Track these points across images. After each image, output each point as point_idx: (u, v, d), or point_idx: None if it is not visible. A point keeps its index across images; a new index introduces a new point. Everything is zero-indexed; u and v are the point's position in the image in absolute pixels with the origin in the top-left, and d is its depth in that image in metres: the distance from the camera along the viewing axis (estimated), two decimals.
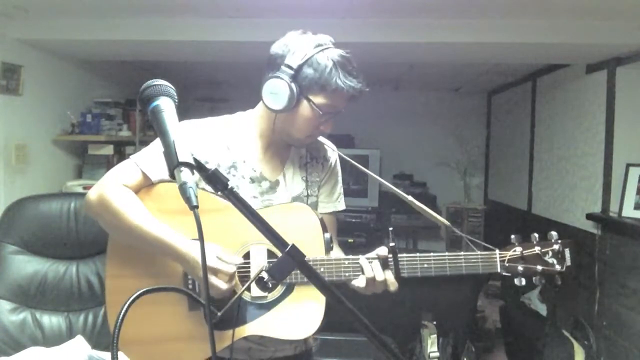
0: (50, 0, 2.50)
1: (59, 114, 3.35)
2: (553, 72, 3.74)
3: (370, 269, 1.24)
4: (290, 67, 1.26)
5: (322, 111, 1.28)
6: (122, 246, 1.30)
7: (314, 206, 1.44)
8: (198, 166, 0.80)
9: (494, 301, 4.26)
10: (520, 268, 1.26)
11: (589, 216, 3.03)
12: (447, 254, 1.27)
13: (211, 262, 1.17)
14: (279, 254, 1.19)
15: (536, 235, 1.30)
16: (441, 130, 5.33)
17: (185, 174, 0.78)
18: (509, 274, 1.27)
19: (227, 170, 1.36)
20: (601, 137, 3.03)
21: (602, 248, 2.96)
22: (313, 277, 0.81)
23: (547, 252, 1.26)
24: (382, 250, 1.27)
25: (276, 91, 1.26)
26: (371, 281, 1.24)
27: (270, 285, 0.86)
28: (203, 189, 1.26)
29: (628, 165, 2.88)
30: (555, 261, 1.26)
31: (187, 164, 0.79)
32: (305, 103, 1.28)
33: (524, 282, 1.27)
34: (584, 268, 3.11)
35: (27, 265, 1.88)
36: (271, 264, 0.83)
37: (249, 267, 1.27)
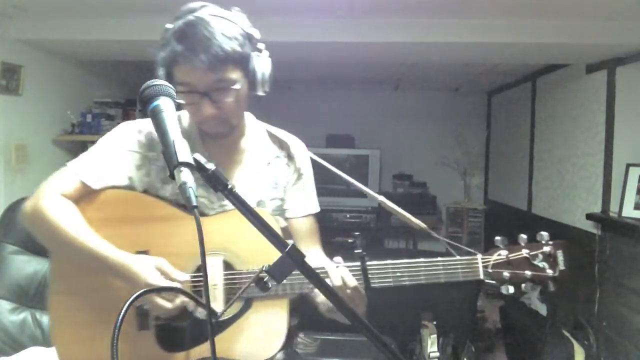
0: (50, 0, 2.50)
1: (59, 114, 3.35)
2: (553, 72, 3.74)
3: (339, 277, 1.11)
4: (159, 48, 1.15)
5: (179, 90, 1.09)
6: (67, 260, 1.19)
7: (280, 209, 1.31)
8: (198, 166, 0.79)
9: (494, 301, 4.25)
10: (506, 274, 1.13)
11: (589, 216, 3.03)
12: (422, 260, 1.15)
13: (152, 279, 1.07)
14: (236, 266, 1.14)
15: (524, 236, 1.17)
16: (441, 130, 5.33)
17: (185, 174, 0.77)
18: (493, 281, 1.15)
19: None
20: (601, 137, 3.02)
21: (602, 248, 2.96)
22: (313, 277, 0.80)
23: (536, 256, 1.14)
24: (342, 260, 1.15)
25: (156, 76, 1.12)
26: (340, 288, 1.11)
27: (270, 286, 0.84)
28: (157, 195, 1.20)
29: (628, 165, 2.87)
30: (546, 265, 1.13)
31: (186, 164, 0.78)
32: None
33: (511, 289, 1.14)
34: (584, 268, 3.11)
35: (27, 265, 1.88)
36: (271, 264, 0.82)
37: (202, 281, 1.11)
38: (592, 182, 3.13)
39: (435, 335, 2.68)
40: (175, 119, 0.89)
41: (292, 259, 0.78)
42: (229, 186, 0.80)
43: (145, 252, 1.15)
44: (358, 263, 1.14)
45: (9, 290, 1.85)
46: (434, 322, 2.73)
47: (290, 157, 1.33)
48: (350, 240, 4.98)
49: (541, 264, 1.13)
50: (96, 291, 1.16)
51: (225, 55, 1.08)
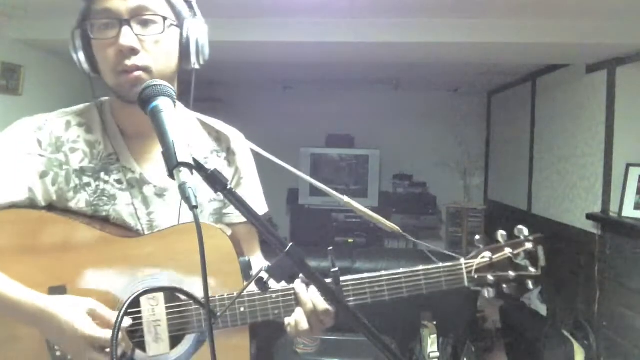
0: (50, 0, 2.50)
1: None
2: (553, 72, 3.74)
3: (309, 299, 0.97)
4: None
5: (96, 23, 0.96)
6: None
7: (219, 213, 1.11)
8: (197, 166, 0.79)
9: (494, 301, 4.25)
10: (490, 277, 1.02)
11: (589, 216, 3.03)
12: (402, 270, 1.01)
13: (88, 329, 0.89)
14: (181, 296, 0.97)
15: (504, 233, 1.06)
16: (441, 130, 5.33)
17: (185, 174, 0.77)
18: (478, 288, 1.03)
19: (96, 174, 1.02)
20: (601, 137, 3.03)
21: (602, 248, 2.96)
22: (313, 278, 0.80)
23: (519, 254, 1.03)
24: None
25: (74, 51, 1.03)
26: (311, 313, 0.97)
27: (270, 287, 0.82)
28: (66, 209, 1.00)
29: (628, 165, 2.88)
30: (528, 263, 1.03)
31: (186, 164, 0.78)
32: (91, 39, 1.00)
33: (492, 293, 1.03)
34: (584, 268, 3.11)
35: None
36: (271, 264, 0.81)
37: (140, 317, 0.96)
38: (592, 182, 3.13)
39: (435, 335, 2.68)
40: (175, 119, 0.87)
41: (292, 259, 0.78)
42: (229, 187, 0.79)
43: (61, 289, 0.96)
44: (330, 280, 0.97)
45: None
46: (434, 322, 2.73)
47: (230, 152, 1.13)
48: (350, 240, 4.99)
49: (523, 262, 1.03)
50: (6, 341, 0.96)
51: None
